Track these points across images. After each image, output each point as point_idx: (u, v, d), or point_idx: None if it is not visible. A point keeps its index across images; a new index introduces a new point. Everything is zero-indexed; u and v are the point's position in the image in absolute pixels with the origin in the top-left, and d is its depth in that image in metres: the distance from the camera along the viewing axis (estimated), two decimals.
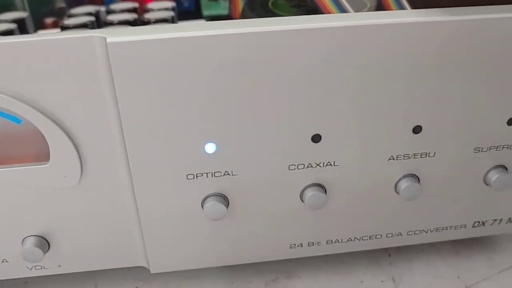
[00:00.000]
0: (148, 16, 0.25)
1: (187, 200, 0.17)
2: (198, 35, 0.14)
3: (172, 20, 0.24)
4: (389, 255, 0.22)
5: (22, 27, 0.23)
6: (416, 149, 0.17)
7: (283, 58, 0.15)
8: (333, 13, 0.20)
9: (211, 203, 0.17)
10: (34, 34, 0.17)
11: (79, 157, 0.16)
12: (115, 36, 0.14)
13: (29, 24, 0.24)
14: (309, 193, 0.17)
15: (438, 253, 0.22)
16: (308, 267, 0.21)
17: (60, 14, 0.31)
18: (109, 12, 0.25)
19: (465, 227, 0.20)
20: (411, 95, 0.16)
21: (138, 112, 0.15)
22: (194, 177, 0.17)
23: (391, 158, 0.17)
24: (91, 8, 0.26)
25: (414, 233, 0.20)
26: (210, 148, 0.16)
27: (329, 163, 0.17)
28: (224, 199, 0.17)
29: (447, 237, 0.20)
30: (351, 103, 0.16)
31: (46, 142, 0.16)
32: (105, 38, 0.14)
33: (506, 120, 0.17)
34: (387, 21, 0.15)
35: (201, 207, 0.17)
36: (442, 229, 0.20)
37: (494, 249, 0.22)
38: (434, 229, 0.20)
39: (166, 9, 0.26)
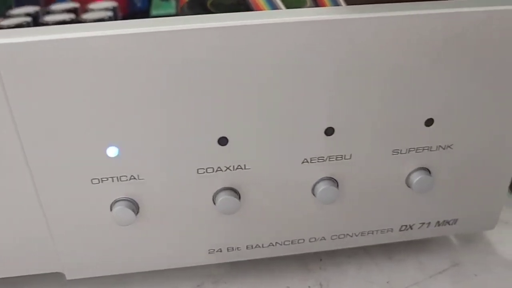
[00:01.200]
0: (86, 16, 0.24)
1: (95, 205, 0.17)
2: (76, 37, 0.14)
3: (108, 21, 0.24)
4: (321, 259, 0.21)
5: None
6: (330, 151, 0.17)
7: (180, 57, 0.14)
8: (263, 9, 0.20)
9: (119, 208, 0.16)
10: None
11: None
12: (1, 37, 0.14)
13: None
14: (221, 197, 0.17)
15: (371, 258, 0.21)
16: (234, 272, 0.20)
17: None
18: (48, 12, 0.25)
19: (392, 231, 0.19)
20: (322, 96, 0.16)
21: (33, 115, 0.15)
22: (99, 182, 0.16)
23: (305, 161, 0.17)
24: (30, 9, 0.25)
25: (339, 238, 0.19)
26: (112, 152, 0.16)
27: (239, 167, 0.17)
28: (133, 204, 0.17)
29: (374, 242, 0.19)
30: (258, 104, 0.15)
31: None
32: None
33: (424, 121, 0.17)
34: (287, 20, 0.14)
35: (110, 212, 0.17)
36: (368, 233, 0.19)
37: (426, 253, 0.21)
38: (359, 233, 0.19)
39: (106, 9, 0.26)
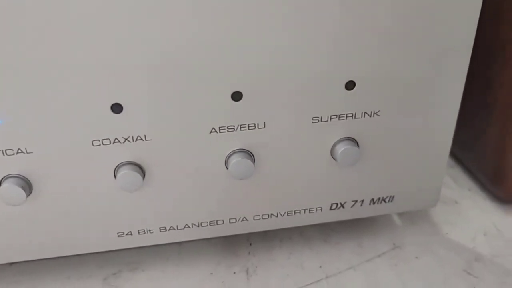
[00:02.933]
0: None
1: None
2: None
3: None
4: (250, 244, 0.19)
5: None
6: (240, 119, 0.15)
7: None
8: None
9: (9, 186, 0.15)
10: None
11: None
12: None
13: None
14: (122, 171, 0.15)
15: (306, 241, 0.19)
16: (157, 258, 0.19)
17: None
18: None
19: (321, 210, 0.18)
20: (227, 54, 0.14)
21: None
22: None
23: (213, 130, 0.15)
24: None
25: (262, 218, 0.17)
26: None
27: (139, 138, 0.15)
28: (26, 182, 0.15)
29: (303, 222, 0.18)
30: (152, 68, 0.14)
31: None
32: None
33: (344, 84, 0.15)
34: None
35: None
36: (295, 213, 0.17)
37: (367, 235, 0.19)
38: (284, 213, 0.17)
39: None
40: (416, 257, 0.19)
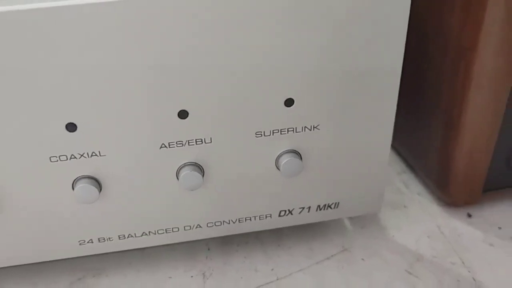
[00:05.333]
0: None
1: None
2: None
3: None
4: (208, 249, 0.21)
5: None
6: (188, 135, 0.16)
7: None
8: None
9: None
10: None
11: None
12: None
13: None
14: (79, 185, 0.16)
15: (261, 245, 0.21)
16: (119, 264, 0.20)
17: None
18: None
19: (271, 216, 0.19)
20: (173, 77, 0.15)
21: None
22: None
23: (163, 146, 0.16)
24: None
25: (215, 225, 0.19)
26: None
27: (94, 154, 0.16)
28: None
29: (254, 228, 0.19)
30: (104, 89, 0.15)
31: None
32: None
33: (284, 101, 0.16)
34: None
35: None
36: (246, 220, 0.19)
37: (317, 239, 0.21)
38: (236, 220, 0.19)
39: None
40: (362, 259, 0.20)
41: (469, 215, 0.22)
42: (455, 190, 0.21)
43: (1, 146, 0.15)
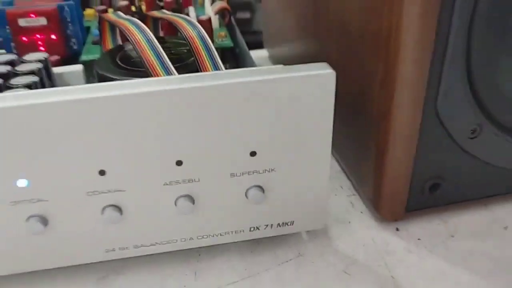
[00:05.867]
0: (20, 68, 0.31)
1: (12, 220, 0.23)
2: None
3: (39, 71, 0.30)
4: (199, 255, 0.28)
5: None
6: (183, 176, 0.23)
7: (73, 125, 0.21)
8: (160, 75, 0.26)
9: (32, 222, 0.23)
10: None
11: None
12: None
13: None
14: (106, 212, 0.23)
15: (238, 252, 0.28)
16: (135, 265, 0.27)
17: None
18: None
19: (243, 231, 0.26)
20: (171, 141, 0.22)
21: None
22: (14, 204, 0.23)
23: (166, 183, 0.23)
24: None
25: (203, 237, 0.26)
26: (22, 183, 0.22)
27: (117, 190, 0.23)
28: (43, 219, 0.23)
29: (232, 239, 0.26)
30: (131, 147, 0.22)
31: None
32: None
33: (249, 153, 0.23)
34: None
35: (23, 225, 0.23)
36: (226, 234, 0.26)
37: (281, 247, 0.28)
38: (219, 234, 0.26)
39: (37, 61, 0.32)
40: (312, 262, 0.27)
41: (397, 229, 0.29)
42: (384, 209, 0.28)
43: (56, 184, 0.22)
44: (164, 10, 0.39)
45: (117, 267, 0.27)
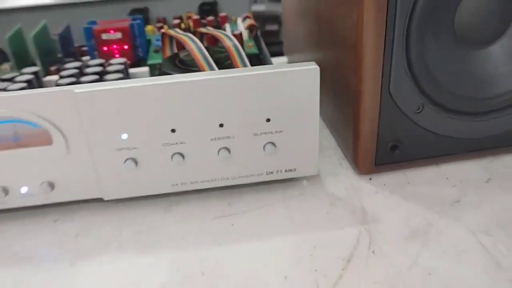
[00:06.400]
0: (109, 68, 0.45)
1: (116, 161, 0.37)
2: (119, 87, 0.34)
3: (122, 71, 0.44)
4: (231, 191, 0.41)
5: (37, 76, 0.44)
6: (223, 134, 0.36)
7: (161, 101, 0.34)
8: (205, 69, 0.40)
9: (128, 162, 0.36)
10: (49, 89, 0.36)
11: (66, 143, 0.36)
12: (80, 89, 0.34)
13: (41, 74, 0.45)
14: (175, 158, 0.36)
15: (258, 190, 0.40)
16: (188, 198, 0.40)
17: (59, 61, 0.51)
18: (87, 66, 0.45)
19: (262, 174, 0.39)
20: (216, 111, 0.35)
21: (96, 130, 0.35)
22: (119, 150, 0.36)
23: (212, 139, 0.36)
24: (77, 63, 0.46)
25: (235, 178, 0.39)
26: (124, 136, 0.36)
27: (182, 142, 0.36)
28: (135, 161, 0.37)
29: (254, 180, 0.39)
30: (190, 114, 0.35)
31: (49, 134, 0.35)
32: (73, 90, 0.34)
33: (265, 120, 0.36)
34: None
35: (122, 165, 0.37)
36: (250, 176, 0.39)
37: (288, 188, 0.40)
38: (245, 175, 0.39)
39: (119, 63, 0.46)
40: (308, 198, 0.39)
41: (370, 179, 0.41)
42: (360, 165, 0.41)
43: (144, 138, 0.36)
44: (208, 27, 0.53)
45: (175, 201, 0.40)
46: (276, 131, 0.37)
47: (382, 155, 0.40)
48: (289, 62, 0.64)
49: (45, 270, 0.34)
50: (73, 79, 0.42)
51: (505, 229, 0.35)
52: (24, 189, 0.37)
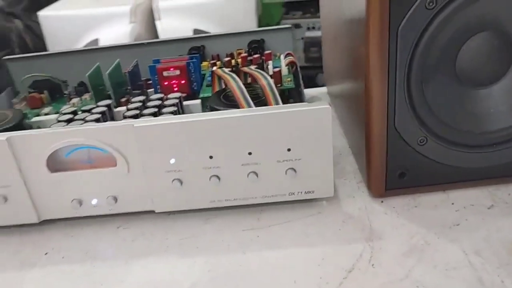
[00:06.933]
0: (166, 102, 0.54)
1: (165, 181, 0.45)
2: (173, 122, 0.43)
3: (177, 104, 0.53)
4: (261, 209, 0.48)
5: (110, 108, 0.54)
6: (252, 161, 0.44)
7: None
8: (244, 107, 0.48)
9: (175, 182, 0.45)
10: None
11: (127, 165, 0.45)
12: (138, 123, 0.43)
13: (113, 105, 0.55)
14: (212, 180, 0.45)
15: (283, 208, 0.47)
16: (224, 213, 0.48)
17: (128, 93, 0.61)
18: (149, 100, 0.55)
19: (285, 195, 0.46)
20: (246, 141, 0.43)
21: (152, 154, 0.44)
22: (168, 172, 0.45)
23: (243, 164, 0.44)
24: (141, 97, 0.55)
25: (262, 197, 0.46)
26: (172, 160, 0.44)
27: (217, 166, 0.44)
28: (180, 181, 0.45)
29: (279, 200, 0.46)
30: (227, 143, 0.43)
31: (115, 158, 0.45)
32: (133, 124, 0.43)
33: (286, 149, 0.43)
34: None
35: (171, 184, 0.45)
36: (274, 196, 0.46)
37: (309, 207, 0.47)
38: (270, 195, 0.46)
39: (175, 98, 0.55)
40: (325, 216, 0.46)
41: (382, 202, 0.47)
42: (373, 189, 0.47)
43: (188, 162, 0.44)
44: (251, 66, 0.61)
45: (213, 214, 0.48)
46: (296, 159, 0.44)
47: (391, 181, 0.46)
48: (328, 91, 0.71)
49: (107, 265, 0.43)
50: (136, 112, 0.52)
51: (496, 252, 0.40)
52: (94, 201, 0.47)
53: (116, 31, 1.36)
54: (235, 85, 0.50)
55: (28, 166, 0.45)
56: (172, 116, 0.44)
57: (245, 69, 0.58)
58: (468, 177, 0.46)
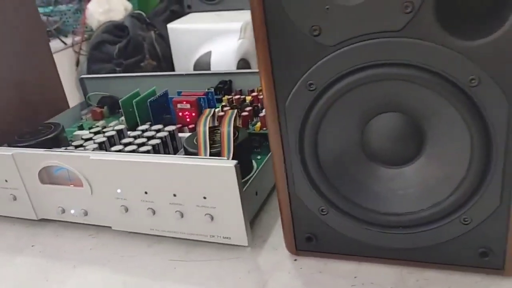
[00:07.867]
0: (158, 134, 0.62)
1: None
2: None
3: (165, 137, 0.61)
4: (187, 248, 0.53)
5: (120, 133, 0.64)
6: (177, 202, 0.50)
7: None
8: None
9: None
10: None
11: (90, 187, 0.54)
12: (94, 156, 0.53)
13: (125, 131, 0.65)
14: (147, 212, 0.52)
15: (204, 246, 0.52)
16: (165, 240, 0.55)
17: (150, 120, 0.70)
18: (147, 130, 0.64)
19: (208, 236, 0.51)
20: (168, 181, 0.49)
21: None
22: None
23: (170, 203, 0.50)
24: (145, 126, 0.65)
25: (195, 235, 0.52)
26: (119, 190, 0.53)
27: (151, 201, 0.51)
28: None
29: (203, 239, 0.51)
30: (156, 184, 0.50)
31: (81, 181, 0.55)
32: (89, 156, 0.52)
33: (202, 197, 0.48)
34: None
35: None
36: (200, 235, 0.51)
37: (231, 250, 0.51)
38: (198, 234, 0.51)
39: (167, 130, 0.63)
40: (239, 264, 0.50)
41: (295, 260, 0.49)
42: (287, 246, 0.49)
43: (132, 193, 0.52)
44: (247, 108, 0.66)
45: (157, 240, 0.55)
46: (211, 206, 0.49)
47: (300, 243, 0.48)
48: None
49: (58, 266, 0.54)
50: (134, 147, 0.61)
51: None
52: (72, 211, 0.58)
53: (227, 46, 1.49)
54: (202, 129, 0.57)
55: (26, 176, 0.58)
56: (121, 154, 0.53)
57: (228, 111, 0.63)
58: (377, 254, 0.46)
